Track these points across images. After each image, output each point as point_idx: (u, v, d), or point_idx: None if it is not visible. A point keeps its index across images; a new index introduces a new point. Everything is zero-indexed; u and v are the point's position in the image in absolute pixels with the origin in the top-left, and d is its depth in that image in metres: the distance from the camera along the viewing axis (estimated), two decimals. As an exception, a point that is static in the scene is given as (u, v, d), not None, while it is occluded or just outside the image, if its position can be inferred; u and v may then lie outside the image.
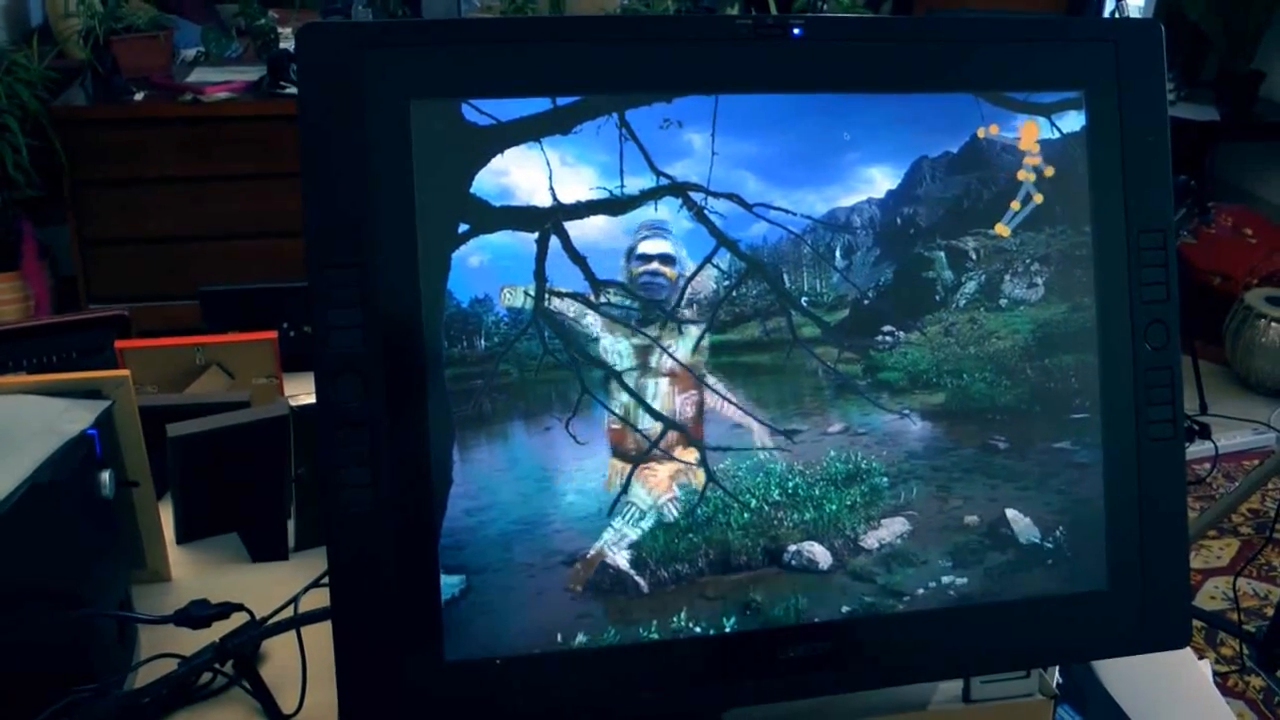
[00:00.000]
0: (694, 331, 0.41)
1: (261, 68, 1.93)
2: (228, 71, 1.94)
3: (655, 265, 0.41)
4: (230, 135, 1.85)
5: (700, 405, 0.41)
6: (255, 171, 1.88)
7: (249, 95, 1.88)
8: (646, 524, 0.41)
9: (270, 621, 0.54)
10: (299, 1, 2.09)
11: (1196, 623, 1.44)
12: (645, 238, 0.41)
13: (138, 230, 1.88)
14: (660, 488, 0.41)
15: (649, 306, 0.41)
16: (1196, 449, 1.85)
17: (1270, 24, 2.35)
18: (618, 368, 0.41)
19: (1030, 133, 0.44)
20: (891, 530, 0.43)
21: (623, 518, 0.41)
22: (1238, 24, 2.33)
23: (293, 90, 1.86)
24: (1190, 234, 2.23)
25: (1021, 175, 0.44)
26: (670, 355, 0.41)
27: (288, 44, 1.94)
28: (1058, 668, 0.49)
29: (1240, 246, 2.20)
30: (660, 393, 0.41)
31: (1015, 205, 0.44)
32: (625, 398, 0.41)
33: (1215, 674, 1.35)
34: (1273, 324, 2.02)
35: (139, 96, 1.85)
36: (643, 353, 0.41)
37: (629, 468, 0.41)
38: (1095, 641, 0.46)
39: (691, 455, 0.41)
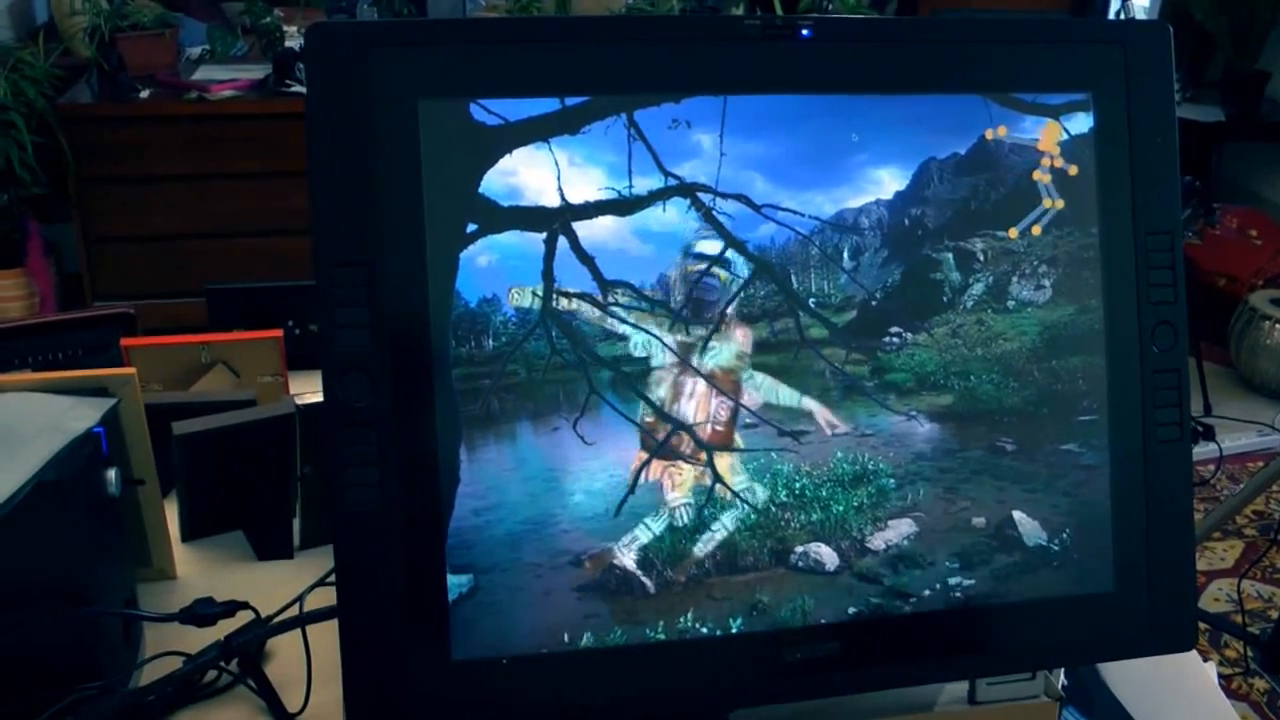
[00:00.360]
0: (702, 332, 0.41)
1: (267, 66, 1.94)
2: (233, 70, 1.95)
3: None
4: (235, 133, 1.85)
5: (708, 406, 0.41)
6: (260, 169, 1.88)
7: (254, 93, 1.88)
8: (656, 525, 0.41)
9: (276, 620, 0.54)
10: (304, 0, 2.10)
11: (1200, 625, 1.43)
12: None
13: (143, 228, 1.88)
14: (668, 488, 0.41)
15: (657, 307, 0.41)
16: (1201, 450, 1.85)
17: (1276, 24, 2.34)
18: (625, 368, 0.41)
19: (1051, 134, 0.43)
20: (898, 531, 0.43)
21: (631, 518, 0.41)
22: (1243, 24, 2.32)
23: (298, 88, 1.87)
24: (1195, 235, 2.22)
25: (1037, 176, 0.44)
26: (678, 356, 0.41)
27: (293, 42, 1.94)
28: (1063, 669, 0.49)
29: (1245, 248, 2.19)
30: (668, 393, 0.41)
31: (1032, 207, 0.44)
32: (633, 398, 0.41)
33: (1220, 676, 1.35)
34: (1277, 325, 2.02)
35: (144, 94, 1.85)
36: (651, 353, 0.41)
37: (639, 467, 0.41)
38: (1101, 643, 0.46)
39: (699, 456, 0.41)
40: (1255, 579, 1.56)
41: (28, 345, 0.74)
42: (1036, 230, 0.44)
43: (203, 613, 0.54)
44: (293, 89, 1.87)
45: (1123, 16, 1.74)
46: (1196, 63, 2.47)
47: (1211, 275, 2.17)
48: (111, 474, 0.54)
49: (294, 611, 0.54)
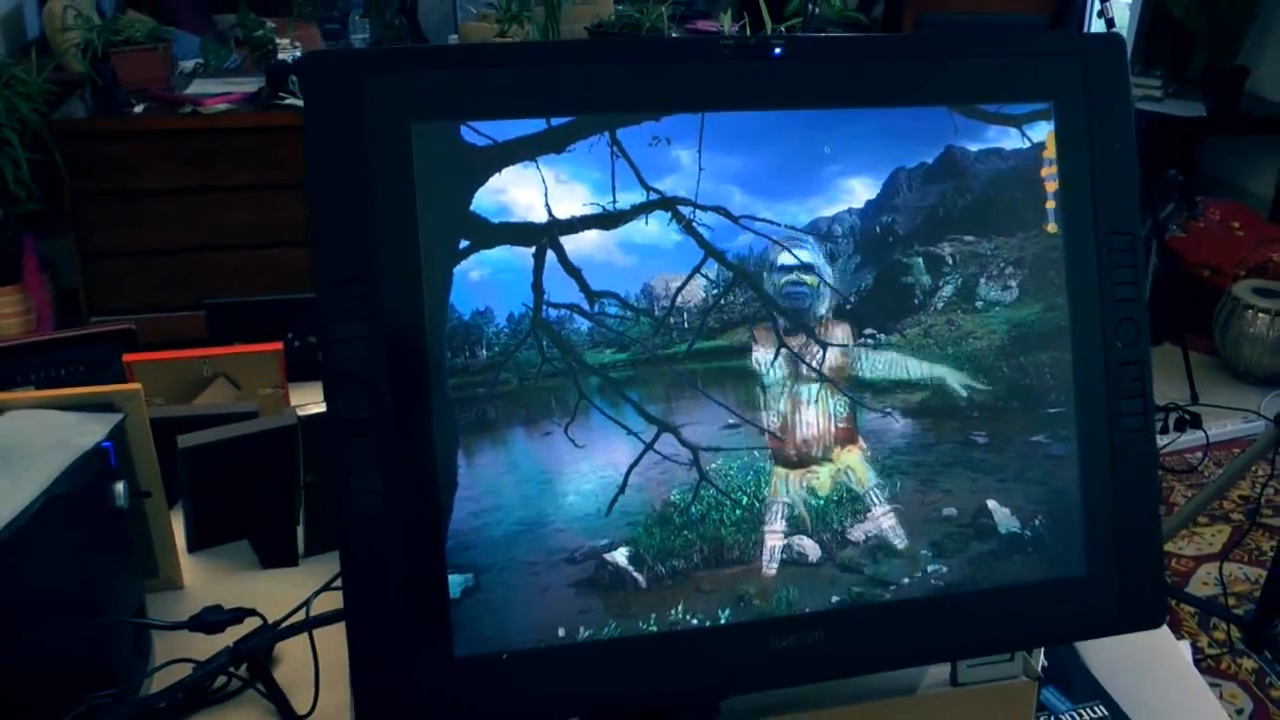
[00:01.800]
0: (685, 338, 0.43)
1: (260, 78, 1.95)
2: (226, 83, 1.96)
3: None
4: (230, 146, 1.87)
5: (692, 408, 0.43)
6: (255, 182, 1.90)
7: (248, 106, 1.89)
8: (646, 523, 0.43)
9: (283, 625, 0.56)
10: (296, 12, 2.11)
11: (1189, 608, 1.46)
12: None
13: (139, 242, 1.89)
14: (657, 487, 0.43)
15: (642, 315, 0.43)
16: (1188, 438, 1.87)
17: (1254, 20, 2.38)
18: (613, 375, 0.43)
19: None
20: (877, 523, 0.45)
21: (622, 517, 0.43)
22: (1222, 21, 2.36)
23: (292, 101, 1.88)
24: (1179, 228, 2.25)
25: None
26: (663, 361, 0.43)
27: (285, 54, 1.96)
28: (1041, 650, 0.51)
29: (1228, 239, 2.22)
30: (654, 397, 0.43)
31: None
32: (621, 403, 0.43)
33: (1209, 656, 1.37)
34: (1260, 314, 2.05)
35: (139, 109, 1.86)
36: (637, 359, 0.43)
37: (628, 468, 0.43)
38: (1075, 624, 0.48)
39: (685, 456, 0.43)
40: (1241, 561, 1.59)
41: (31, 363, 0.75)
42: (1003, 234, 0.46)
43: (211, 620, 0.56)
44: (286, 101, 1.89)
45: (1101, 16, 1.77)
46: (1178, 59, 2.50)
47: (1196, 266, 2.20)
48: (120, 487, 0.56)
49: (301, 616, 0.56)
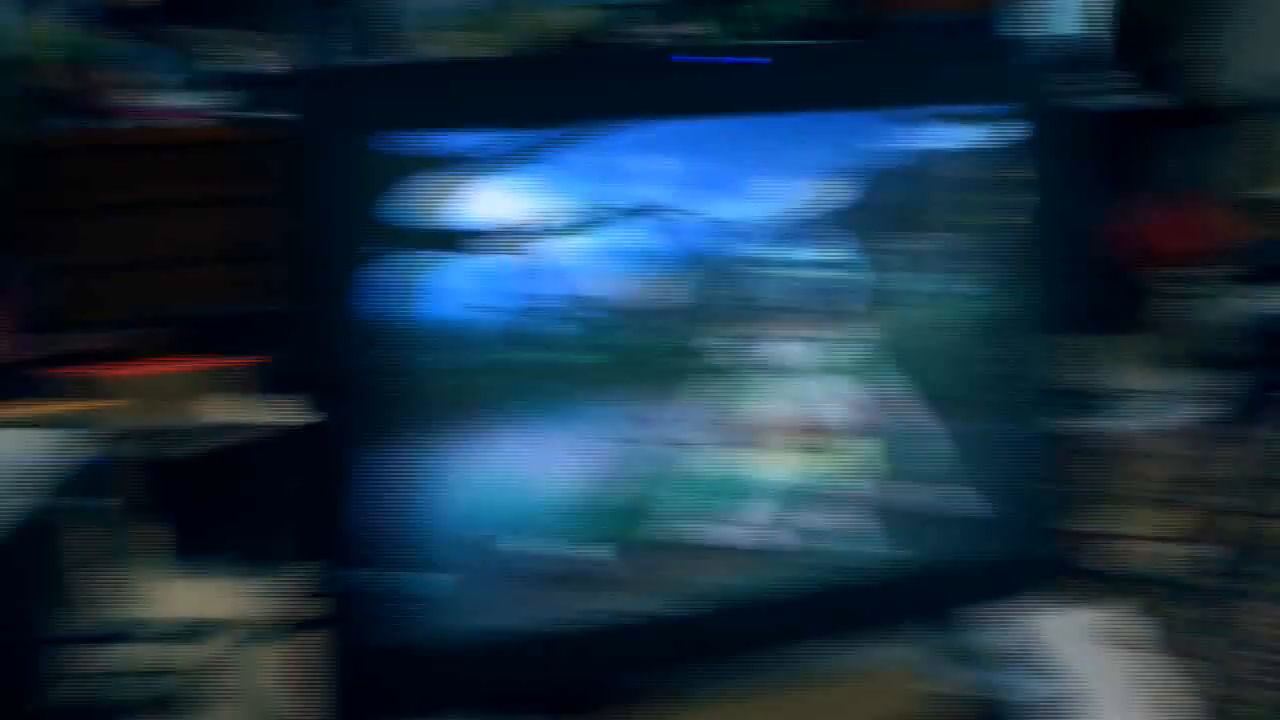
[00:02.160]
0: (653, 337, 0.45)
1: (229, 93, 1.94)
2: (194, 97, 1.95)
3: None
4: (198, 160, 1.86)
5: (661, 404, 0.45)
6: (224, 195, 1.88)
7: (215, 119, 1.88)
8: (617, 514, 0.45)
9: (267, 631, 0.57)
10: (262, 25, 2.10)
11: (1130, 586, 1.50)
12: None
13: (111, 257, 1.87)
14: (628, 481, 0.45)
15: (618, 316, 0.44)
16: (1125, 423, 1.92)
17: (1223, 13, 2.43)
18: (589, 374, 0.44)
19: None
20: (832, 508, 0.47)
21: (595, 510, 0.44)
22: (1187, 14, 2.40)
23: (259, 115, 1.87)
24: (1136, 217, 2.31)
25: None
26: (634, 359, 0.44)
27: (252, 68, 1.95)
28: (994, 630, 0.53)
29: (1183, 229, 2.29)
30: (628, 394, 0.44)
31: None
32: (596, 401, 0.44)
33: (1153, 632, 1.41)
34: (1201, 301, 2.10)
35: (110, 124, 1.84)
36: (612, 359, 0.44)
37: (602, 464, 0.45)
38: (1000, 591, 0.52)
39: (653, 450, 0.45)
40: (1182, 541, 1.64)
41: (11, 380, 0.75)
42: (958, 229, 0.48)
43: (197, 630, 0.57)
44: (253, 114, 1.88)
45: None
46: (1146, 52, 2.55)
47: (1147, 255, 2.26)
48: (106, 502, 0.57)
49: (286, 622, 0.57)
